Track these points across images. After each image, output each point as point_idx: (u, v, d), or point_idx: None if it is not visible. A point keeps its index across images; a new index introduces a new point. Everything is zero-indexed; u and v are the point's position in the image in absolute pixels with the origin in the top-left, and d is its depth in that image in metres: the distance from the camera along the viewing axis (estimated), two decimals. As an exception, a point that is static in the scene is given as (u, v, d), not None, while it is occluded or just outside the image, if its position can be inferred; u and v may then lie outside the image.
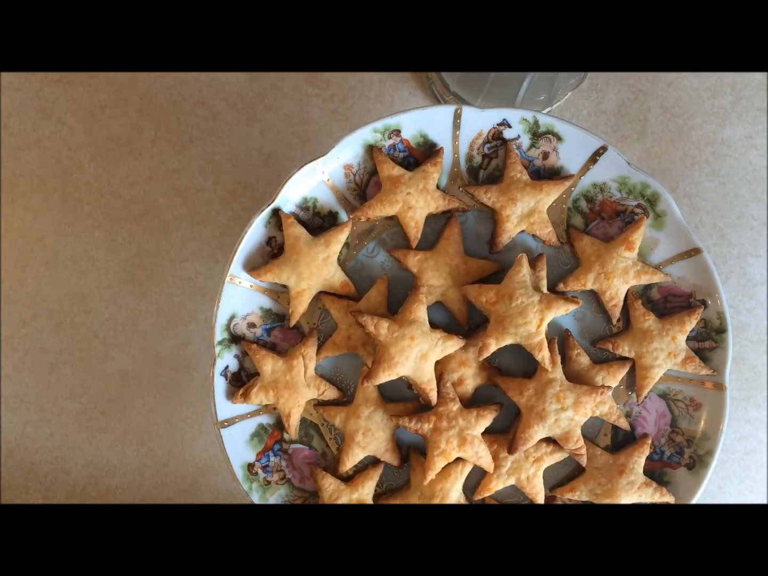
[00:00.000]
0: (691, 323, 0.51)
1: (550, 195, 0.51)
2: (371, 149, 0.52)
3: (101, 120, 0.66)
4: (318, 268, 0.51)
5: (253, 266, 0.52)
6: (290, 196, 0.51)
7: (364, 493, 0.52)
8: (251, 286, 0.52)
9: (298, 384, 0.51)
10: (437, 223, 0.53)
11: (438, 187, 0.53)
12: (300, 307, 0.51)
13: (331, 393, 0.52)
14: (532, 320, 0.48)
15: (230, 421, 0.52)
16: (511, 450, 0.50)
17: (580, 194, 0.53)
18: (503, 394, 0.51)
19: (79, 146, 0.66)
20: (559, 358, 0.51)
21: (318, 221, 0.53)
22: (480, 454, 0.50)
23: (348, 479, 0.53)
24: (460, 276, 0.51)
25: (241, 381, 0.53)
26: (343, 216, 0.53)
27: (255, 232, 0.51)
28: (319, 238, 0.51)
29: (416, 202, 0.51)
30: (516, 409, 0.51)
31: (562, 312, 0.49)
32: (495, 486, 0.51)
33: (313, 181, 0.52)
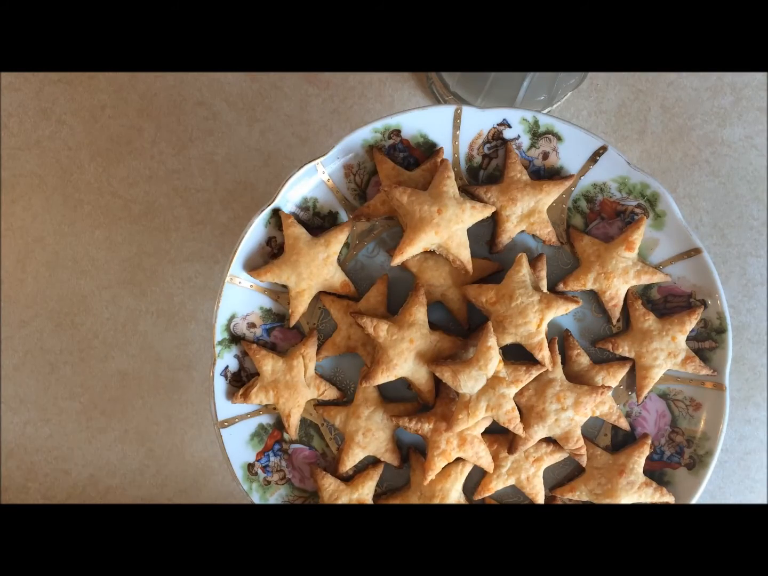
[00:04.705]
0: (691, 323, 0.51)
1: (550, 195, 0.51)
2: (371, 149, 0.52)
3: (101, 120, 0.66)
4: (318, 268, 0.51)
5: (253, 266, 0.52)
6: (290, 196, 0.51)
7: (364, 493, 0.52)
8: (251, 286, 0.52)
9: (298, 384, 0.51)
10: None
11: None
12: (300, 307, 0.51)
13: (331, 393, 0.52)
14: (532, 320, 0.48)
15: (230, 421, 0.52)
16: (511, 450, 0.50)
17: (580, 194, 0.53)
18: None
19: (79, 146, 0.66)
20: (559, 358, 0.51)
21: (318, 221, 0.53)
22: (480, 454, 0.50)
23: (348, 479, 0.53)
24: (460, 276, 0.51)
25: (241, 381, 0.53)
26: (343, 216, 0.53)
27: (255, 232, 0.51)
28: (319, 238, 0.51)
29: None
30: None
31: (562, 312, 0.49)
32: (495, 486, 0.51)
33: (313, 181, 0.52)
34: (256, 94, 0.66)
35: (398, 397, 0.53)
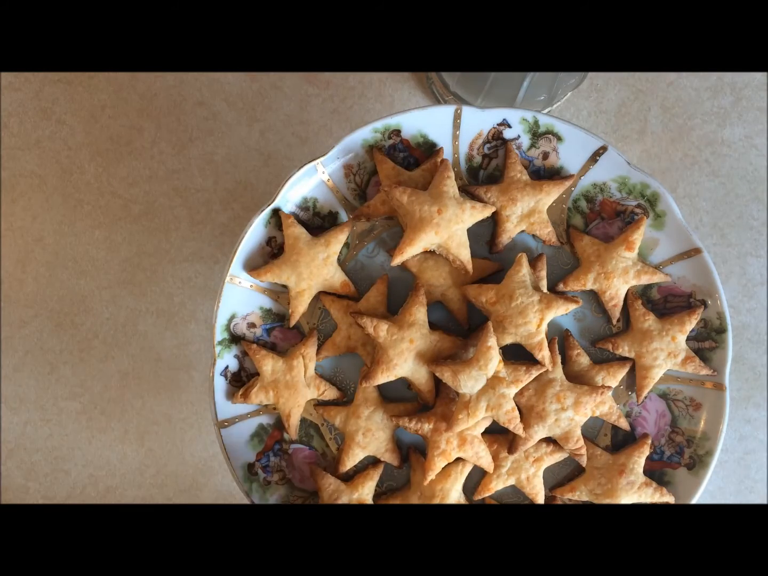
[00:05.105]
0: (691, 323, 0.51)
1: (550, 195, 0.51)
2: (371, 149, 0.52)
3: (101, 120, 0.66)
4: (318, 268, 0.51)
5: (253, 266, 0.52)
6: (290, 196, 0.51)
7: (364, 493, 0.52)
8: (251, 286, 0.52)
9: (298, 384, 0.51)
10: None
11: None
12: (300, 307, 0.51)
13: (331, 393, 0.52)
14: (532, 320, 0.48)
15: (230, 421, 0.52)
16: (511, 450, 0.50)
17: (580, 194, 0.53)
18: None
19: (79, 146, 0.66)
20: (559, 358, 0.51)
21: (318, 221, 0.53)
22: (480, 454, 0.50)
23: (348, 479, 0.53)
24: (460, 276, 0.51)
25: (241, 381, 0.53)
26: (343, 216, 0.53)
27: (255, 232, 0.51)
28: (319, 238, 0.51)
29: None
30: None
31: (562, 312, 0.49)
32: (495, 486, 0.51)
33: (313, 181, 0.52)
34: (256, 94, 0.66)
35: (398, 397, 0.53)
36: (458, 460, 0.51)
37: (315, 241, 0.51)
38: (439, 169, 0.50)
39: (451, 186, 0.49)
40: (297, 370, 0.51)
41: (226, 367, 0.52)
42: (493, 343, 0.47)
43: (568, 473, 0.53)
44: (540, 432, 0.49)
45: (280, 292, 0.53)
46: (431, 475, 0.50)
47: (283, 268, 0.51)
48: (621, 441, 0.54)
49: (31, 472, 0.67)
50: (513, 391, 0.48)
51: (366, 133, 0.51)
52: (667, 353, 0.51)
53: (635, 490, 0.51)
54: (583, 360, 0.52)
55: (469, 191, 0.52)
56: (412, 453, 0.52)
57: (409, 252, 0.49)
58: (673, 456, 0.53)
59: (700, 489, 0.52)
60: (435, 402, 0.51)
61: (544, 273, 0.51)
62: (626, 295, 0.52)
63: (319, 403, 0.53)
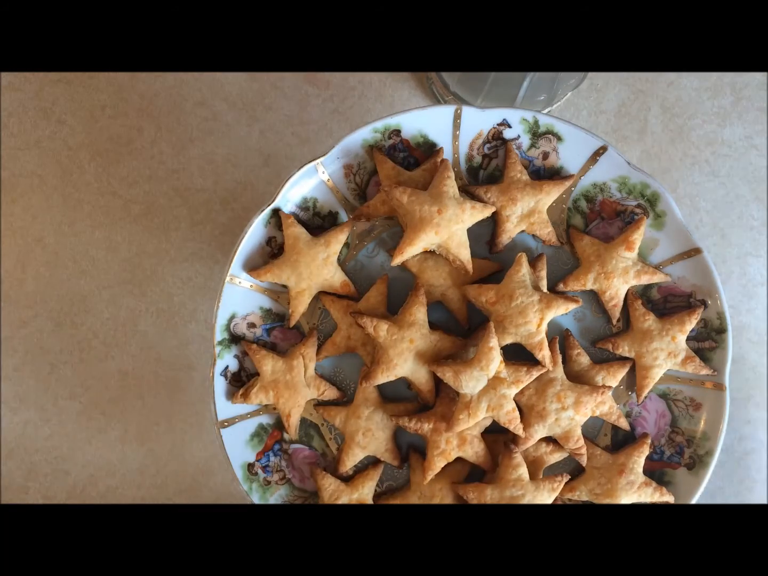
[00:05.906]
0: (691, 323, 0.51)
1: (550, 195, 0.51)
2: (371, 149, 0.52)
3: (101, 120, 0.66)
4: (318, 268, 0.51)
5: (253, 266, 0.52)
6: (290, 196, 0.51)
7: (364, 493, 0.52)
8: (251, 286, 0.52)
9: (298, 384, 0.51)
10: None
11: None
12: (300, 307, 0.51)
13: (331, 393, 0.52)
14: (532, 320, 0.48)
15: (230, 421, 0.52)
16: (511, 450, 0.50)
17: (580, 194, 0.53)
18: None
19: (79, 146, 0.66)
20: (560, 357, 0.51)
21: (318, 221, 0.53)
22: (480, 454, 0.50)
23: (348, 479, 0.53)
24: (460, 276, 0.51)
25: (241, 381, 0.53)
26: (343, 216, 0.53)
27: (255, 232, 0.51)
28: (319, 238, 0.51)
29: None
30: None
31: (562, 311, 0.49)
32: (495, 486, 0.51)
33: (313, 181, 0.52)
34: (256, 94, 0.66)
35: (398, 397, 0.53)
36: (458, 460, 0.50)
37: (315, 241, 0.51)
38: (439, 169, 0.50)
39: (451, 186, 0.49)
40: (297, 370, 0.51)
41: (226, 367, 0.52)
42: (494, 344, 0.47)
43: (567, 473, 0.53)
44: (540, 431, 0.49)
45: (280, 292, 0.53)
46: (431, 475, 0.50)
47: (283, 268, 0.51)
48: (621, 441, 0.54)
49: (31, 472, 0.67)
50: (514, 391, 0.48)
51: (366, 133, 0.51)
52: (667, 353, 0.51)
53: (635, 490, 0.51)
54: (583, 360, 0.52)
55: (469, 191, 0.52)
56: (412, 453, 0.52)
57: (409, 252, 0.49)
58: (673, 456, 0.53)
59: (700, 489, 0.52)
60: (435, 402, 0.51)
61: (544, 273, 0.51)
62: (626, 295, 0.52)
63: (319, 403, 0.53)
